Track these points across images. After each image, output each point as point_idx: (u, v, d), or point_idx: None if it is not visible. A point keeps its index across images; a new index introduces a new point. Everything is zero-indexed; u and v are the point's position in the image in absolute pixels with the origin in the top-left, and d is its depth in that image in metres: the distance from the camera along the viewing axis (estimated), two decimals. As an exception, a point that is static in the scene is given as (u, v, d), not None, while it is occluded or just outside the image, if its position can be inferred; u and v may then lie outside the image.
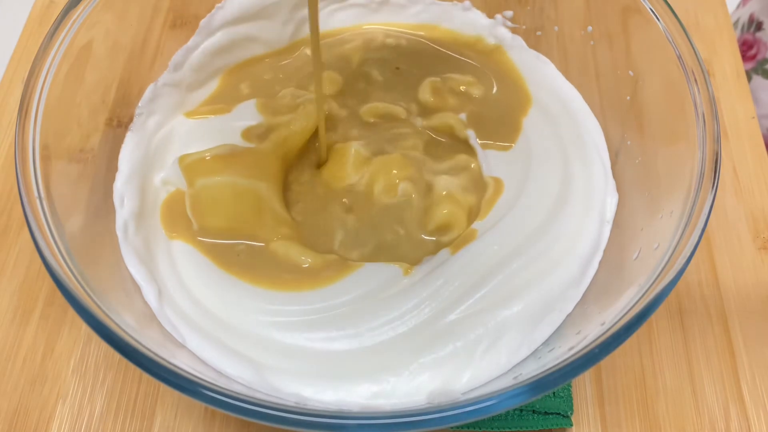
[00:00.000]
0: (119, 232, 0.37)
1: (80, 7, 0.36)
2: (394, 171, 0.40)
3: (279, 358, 0.33)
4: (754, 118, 0.48)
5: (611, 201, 0.39)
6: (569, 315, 0.34)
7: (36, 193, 0.32)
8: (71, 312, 0.40)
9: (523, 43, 0.46)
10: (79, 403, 0.38)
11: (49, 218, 0.31)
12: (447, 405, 0.25)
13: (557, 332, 0.34)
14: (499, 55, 0.46)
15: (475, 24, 0.47)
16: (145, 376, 0.38)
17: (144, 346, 0.27)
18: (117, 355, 0.38)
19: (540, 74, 0.45)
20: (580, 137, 0.41)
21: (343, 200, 0.40)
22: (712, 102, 0.34)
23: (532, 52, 0.46)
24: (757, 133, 0.47)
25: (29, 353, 0.39)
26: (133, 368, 0.39)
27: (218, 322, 0.34)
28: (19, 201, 0.31)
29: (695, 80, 0.35)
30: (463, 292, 0.34)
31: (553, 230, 0.36)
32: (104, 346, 0.39)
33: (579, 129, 0.42)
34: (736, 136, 0.47)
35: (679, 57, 0.36)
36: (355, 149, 0.41)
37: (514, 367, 0.33)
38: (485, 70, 0.45)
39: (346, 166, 0.41)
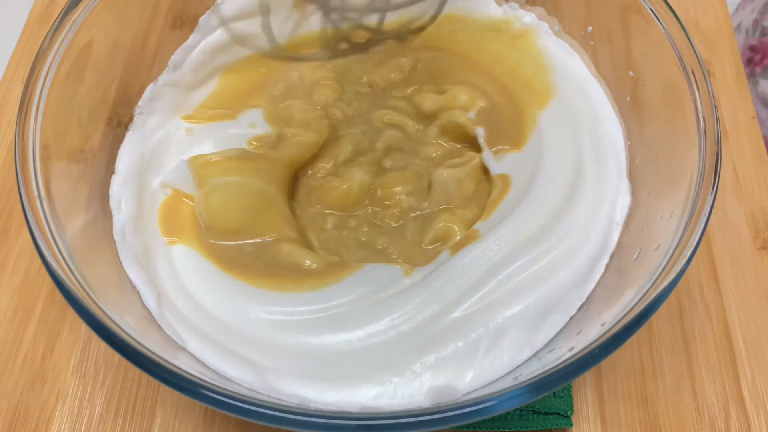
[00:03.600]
0: (117, 236, 0.36)
1: (80, 7, 0.36)
2: (397, 188, 0.40)
3: (280, 360, 0.33)
4: (754, 118, 0.48)
5: (623, 203, 0.38)
6: (572, 317, 0.34)
7: (36, 193, 0.32)
8: (71, 312, 0.40)
9: (551, 31, 0.45)
10: (79, 404, 0.38)
11: (49, 218, 0.31)
12: (447, 406, 0.25)
13: (559, 333, 0.34)
14: (525, 40, 0.44)
15: (490, 11, 0.45)
16: (145, 376, 0.38)
17: (144, 347, 0.27)
18: (117, 356, 0.38)
19: (565, 64, 0.43)
20: (598, 135, 0.40)
21: (351, 224, 0.40)
22: (713, 102, 0.34)
23: (559, 40, 0.44)
24: (757, 133, 0.47)
25: (29, 353, 0.39)
26: (133, 369, 0.39)
27: (218, 323, 0.34)
28: (19, 201, 0.31)
29: (695, 80, 0.35)
30: (463, 291, 0.34)
31: (559, 231, 0.36)
32: (104, 347, 0.39)
33: (598, 126, 0.40)
34: (736, 136, 0.47)
35: (679, 57, 0.36)
36: (360, 179, 0.40)
37: (517, 367, 0.33)
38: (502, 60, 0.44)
39: (351, 197, 0.40)
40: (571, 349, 0.29)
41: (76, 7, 0.36)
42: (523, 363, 0.33)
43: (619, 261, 0.36)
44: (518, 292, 0.34)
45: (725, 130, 0.47)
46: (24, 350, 0.39)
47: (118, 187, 0.38)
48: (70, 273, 0.30)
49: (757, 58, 0.64)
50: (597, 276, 0.35)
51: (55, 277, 0.29)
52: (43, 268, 0.29)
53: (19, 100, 0.33)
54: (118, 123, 0.40)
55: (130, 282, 0.35)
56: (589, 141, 0.39)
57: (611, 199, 0.38)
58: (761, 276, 0.42)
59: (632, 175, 0.39)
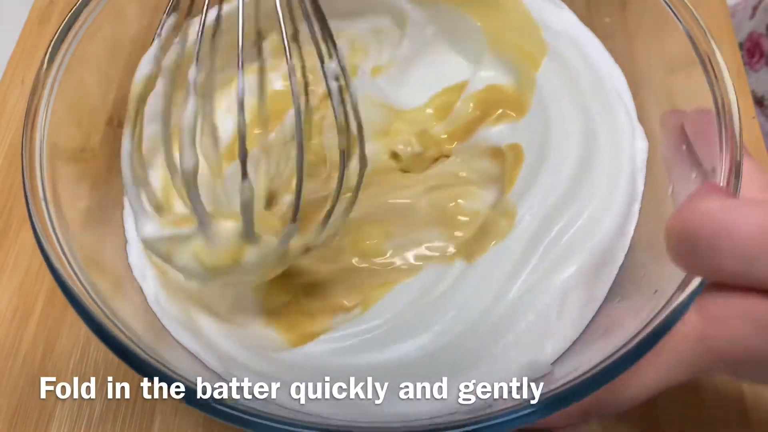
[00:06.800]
0: (128, 235, 0.37)
1: (81, 7, 0.36)
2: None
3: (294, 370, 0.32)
4: (754, 117, 0.48)
5: (641, 147, 0.37)
6: (622, 266, 0.34)
7: (41, 195, 0.31)
8: (71, 312, 0.39)
9: None
10: (79, 404, 0.38)
11: (54, 219, 0.31)
12: (454, 422, 0.25)
13: (618, 284, 0.33)
14: None
15: None
16: (146, 377, 0.38)
17: (144, 351, 0.27)
18: (117, 356, 0.38)
19: (554, 19, 0.41)
20: (600, 84, 0.38)
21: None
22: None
23: None
24: (757, 133, 0.47)
25: (29, 353, 0.39)
26: (133, 369, 0.39)
27: (223, 325, 0.34)
28: (18, 200, 0.31)
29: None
30: (512, 268, 0.33)
31: (586, 187, 0.35)
32: (104, 347, 0.39)
33: (598, 75, 0.39)
34: (735, 136, 0.47)
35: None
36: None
37: (591, 321, 0.32)
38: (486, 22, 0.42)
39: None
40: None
41: (77, 7, 0.36)
42: (593, 319, 0.33)
43: (652, 204, 0.35)
44: (567, 255, 0.33)
45: (725, 130, 0.47)
46: (24, 350, 0.39)
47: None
48: (72, 274, 0.30)
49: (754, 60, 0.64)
50: (633, 223, 0.35)
51: (57, 278, 0.29)
52: (43, 268, 0.29)
53: (27, 102, 0.33)
54: (119, 123, 0.40)
55: (135, 280, 0.35)
56: (591, 91, 0.38)
57: (628, 145, 0.36)
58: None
59: (642, 119, 0.38)
